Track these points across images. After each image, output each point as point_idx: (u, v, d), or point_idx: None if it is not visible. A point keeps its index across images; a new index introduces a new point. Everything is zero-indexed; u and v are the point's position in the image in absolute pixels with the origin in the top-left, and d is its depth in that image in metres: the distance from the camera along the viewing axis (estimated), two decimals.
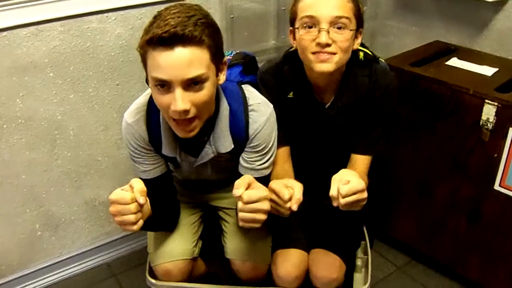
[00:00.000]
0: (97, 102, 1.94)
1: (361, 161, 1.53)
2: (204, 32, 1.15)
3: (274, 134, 1.40)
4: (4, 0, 1.60)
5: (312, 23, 1.34)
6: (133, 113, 1.37)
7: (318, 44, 1.34)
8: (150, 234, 1.59)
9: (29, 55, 1.72)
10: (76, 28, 1.78)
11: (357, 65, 1.47)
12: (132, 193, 1.13)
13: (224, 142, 1.37)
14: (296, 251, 1.55)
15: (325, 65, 1.36)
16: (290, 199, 1.22)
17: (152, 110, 1.34)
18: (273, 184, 1.23)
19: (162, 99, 1.19)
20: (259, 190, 1.17)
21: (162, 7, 1.87)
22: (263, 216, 1.18)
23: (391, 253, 2.26)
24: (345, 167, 1.50)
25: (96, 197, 2.10)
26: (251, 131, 1.35)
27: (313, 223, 1.64)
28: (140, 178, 1.42)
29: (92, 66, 1.87)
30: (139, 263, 2.17)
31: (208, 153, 1.40)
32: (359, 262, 1.67)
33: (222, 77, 1.28)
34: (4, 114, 1.75)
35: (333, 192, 1.18)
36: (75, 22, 1.76)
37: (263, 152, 1.38)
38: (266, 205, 1.17)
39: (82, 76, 1.86)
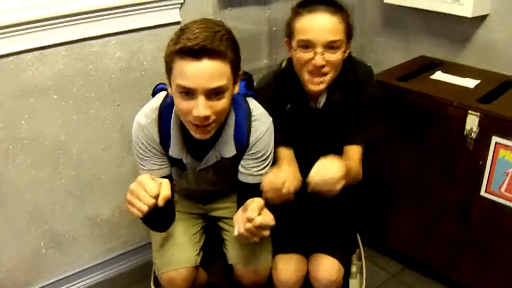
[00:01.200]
0: (98, 122, 2.01)
1: (353, 151, 1.61)
2: (228, 47, 1.27)
3: (272, 144, 1.50)
4: (10, 27, 1.68)
5: (308, 45, 1.46)
6: (145, 116, 1.46)
7: (314, 66, 1.47)
8: (155, 245, 1.66)
9: (34, 78, 1.79)
10: (78, 52, 1.85)
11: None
12: (158, 190, 1.23)
13: (228, 148, 1.46)
14: (296, 256, 1.63)
15: (318, 86, 1.51)
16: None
17: (163, 114, 1.44)
18: (266, 178, 1.30)
19: (184, 105, 1.28)
20: (269, 218, 1.27)
21: (161, 30, 1.98)
22: (258, 239, 1.28)
23: (384, 261, 2.31)
24: None
25: (99, 214, 2.16)
26: (252, 138, 1.46)
27: (310, 229, 1.71)
28: None
29: (94, 88, 1.94)
30: (141, 278, 2.20)
31: (212, 157, 1.49)
32: (354, 269, 1.73)
33: (237, 88, 1.39)
34: (10, 135, 1.82)
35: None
36: (77, 46, 1.84)
37: (262, 159, 1.48)
38: (267, 233, 1.27)
39: (84, 98, 1.93)
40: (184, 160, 1.50)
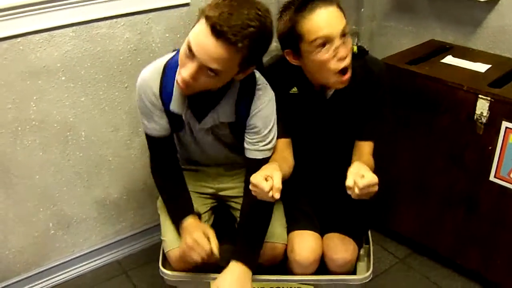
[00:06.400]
0: (107, 104, 2.01)
1: (366, 146, 1.62)
2: (246, 38, 1.25)
3: (274, 117, 1.51)
4: (18, 8, 1.67)
5: (326, 41, 1.40)
6: (149, 69, 1.49)
7: (340, 59, 1.42)
8: (164, 222, 1.65)
9: (42, 60, 1.79)
10: (86, 34, 1.85)
11: (352, 58, 1.54)
12: (210, 245, 1.45)
13: (228, 112, 1.48)
14: (312, 234, 1.63)
15: (347, 82, 1.47)
16: (270, 190, 1.27)
17: (168, 70, 1.45)
18: (253, 178, 1.29)
19: (183, 61, 1.32)
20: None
21: (169, 12, 1.97)
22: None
23: (392, 246, 2.32)
24: (347, 153, 1.61)
25: (107, 196, 2.17)
26: (253, 106, 1.47)
27: (324, 210, 1.72)
28: (146, 134, 1.55)
29: (102, 70, 1.94)
30: (149, 260, 2.23)
31: (211, 119, 1.49)
32: (361, 252, 1.72)
33: (241, 76, 1.40)
34: (18, 116, 1.82)
35: (349, 183, 1.28)
36: (85, 28, 1.84)
37: (264, 134, 1.49)
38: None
39: (92, 80, 1.93)
40: (183, 117, 1.50)
